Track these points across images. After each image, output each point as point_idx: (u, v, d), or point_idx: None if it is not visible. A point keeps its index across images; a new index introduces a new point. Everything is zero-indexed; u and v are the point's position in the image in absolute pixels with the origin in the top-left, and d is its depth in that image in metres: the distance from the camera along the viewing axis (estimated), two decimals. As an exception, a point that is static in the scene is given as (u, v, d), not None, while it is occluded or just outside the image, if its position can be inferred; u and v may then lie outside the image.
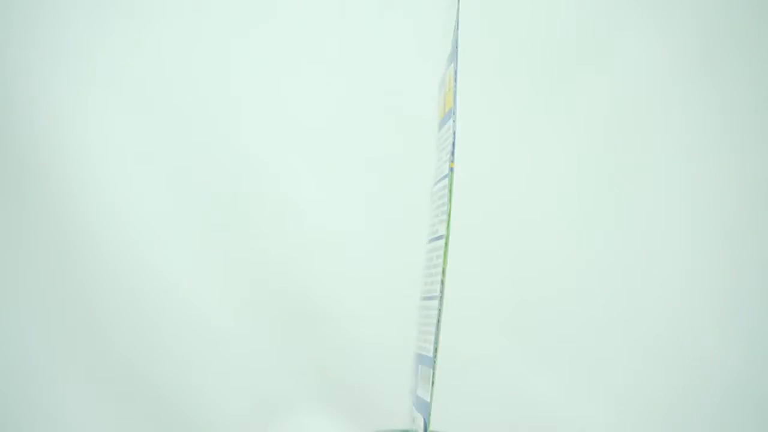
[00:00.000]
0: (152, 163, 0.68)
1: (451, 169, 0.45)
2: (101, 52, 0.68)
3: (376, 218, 0.67)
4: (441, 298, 0.45)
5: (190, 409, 0.65)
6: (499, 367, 0.62)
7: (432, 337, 0.46)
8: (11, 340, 0.65)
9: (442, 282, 0.45)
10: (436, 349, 0.45)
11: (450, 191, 0.45)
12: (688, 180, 0.56)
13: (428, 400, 0.45)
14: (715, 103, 0.54)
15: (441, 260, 0.46)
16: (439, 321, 0.45)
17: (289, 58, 0.67)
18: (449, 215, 0.45)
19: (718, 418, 0.53)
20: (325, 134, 0.67)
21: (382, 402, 0.63)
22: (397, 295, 0.58)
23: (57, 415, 0.65)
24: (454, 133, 0.45)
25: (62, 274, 0.67)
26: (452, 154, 0.45)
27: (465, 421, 0.59)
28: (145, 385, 0.66)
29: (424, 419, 0.45)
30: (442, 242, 0.46)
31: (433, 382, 0.45)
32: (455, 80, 0.46)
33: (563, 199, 0.55)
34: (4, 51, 0.65)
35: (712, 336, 0.54)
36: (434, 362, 0.45)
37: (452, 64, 0.47)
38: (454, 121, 0.46)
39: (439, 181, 0.50)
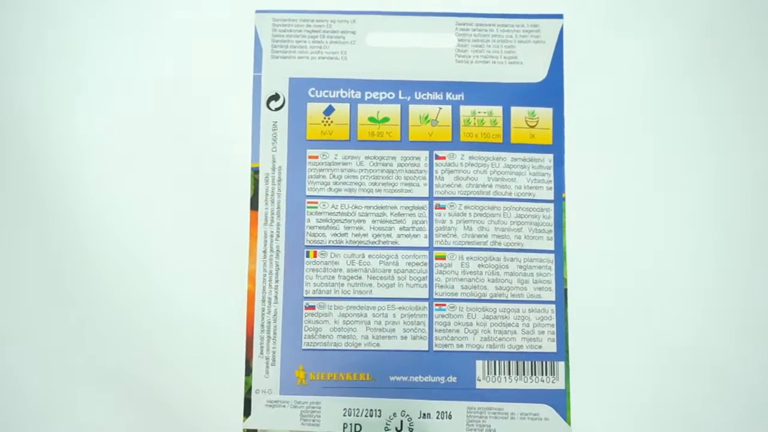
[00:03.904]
0: (146, 163, 0.60)
1: (563, 198, 0.56)
2: (93, 50, 0.62)
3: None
4: (565, 302, 0.55)
5: (187, 410, 0.57)
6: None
7: (544, 336, 0.54)
8: (5, 340, 0.60)
9: (566, 290, 0.55)
10: (567, 347, 0.54)
11: (562, 214, 0.55)
12: (692, 180, 0.59)
13: (559, 388, 0.54)
14: (703, 103, 0.60)
15: (547, 270, 0.55)
16: (565, 321, 0.55)
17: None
18: (563, 233, 0.55)
19: (727, 420, 0.59)
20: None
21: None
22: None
23: (53, 415, 0.59)
24: (555, 165, 0.56)
25: (56, 275, 0.60)
26: (558, 183, 0.56)
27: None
28: (141, 386, 0.58)
29: (555, 408, 0.54)
30: (542, 255, 0.55)
31: (568, 374, 0.54)
32: (560, 121, 0.56)
33: (592, 194, 0.58)
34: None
35: (724, 339, 0.60)
36: (566, 357, 0.54)
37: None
38: (557, 154, 0.56)
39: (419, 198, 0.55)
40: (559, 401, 0.54)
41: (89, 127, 0.59)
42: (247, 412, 0.54)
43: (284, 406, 0.54)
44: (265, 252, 0.55)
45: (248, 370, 0.54)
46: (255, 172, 0.56)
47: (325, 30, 0.57)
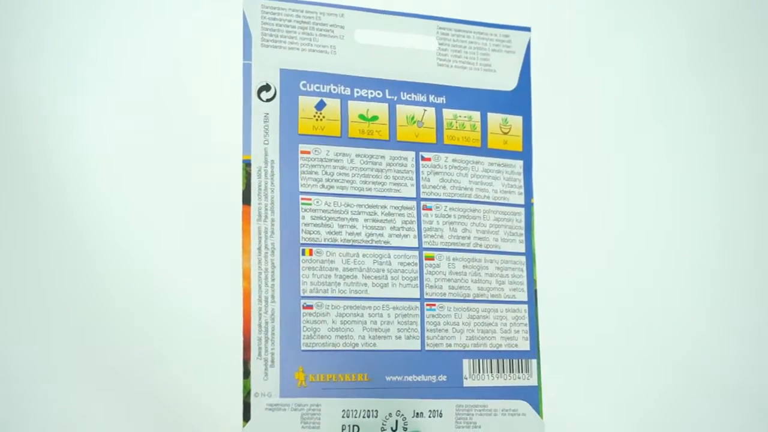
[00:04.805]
0: (145, 164, 0.59)
1: (532, 204, 0.59)
2: (93, 51, 0.61)
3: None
4: (535, 302, 0.58)
5: (185, 410, 0.57)
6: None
7: (519, 335, 0.57)
8: (4, 341, 0.58)
9: (536, 291, 0.58)
10: (538, 344, 0.57)
11: (531, 218, 0.58)
12: (684, 180, 0.60)
13: (533, 384, 0.57)
14: (703, 104, 0.61)
15: (519, 272, 0.58)
16: (536, 321, 0.58)
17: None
18: (532, 237, 0.58)
19: (715, 418, 0.60)
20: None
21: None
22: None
23: (49, 417, 0.58)
24: (525, 171, 0.59)
25: (54, 276, 0.59)
26: (531, 189, 0.59)
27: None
28: (139, 387, 0.57)
29: (530, 403, 0.56)
30: (515, 257, 0.58)
31: (539, 371, 0.57)
32: (528, 128, 0.59)
33: (561, 199, 0.58)
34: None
35: (711, 337, 0.59)
36: (538, 355, 0.57)
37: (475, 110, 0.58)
38: (527, 161, 0.59)
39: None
40: (533, 397, 0.57)
41: (84, 125, 0.55)
42: (246, 416, 0.51)
43: (284, 409, 0.52)
44: (259, 249, 0.53)
45: (246, 373, 0.52)
46: (246, 164, 0.53)
47: (314, 22, 0.55)
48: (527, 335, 0.57)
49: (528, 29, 0.60)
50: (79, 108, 0.57)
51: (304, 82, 0.55)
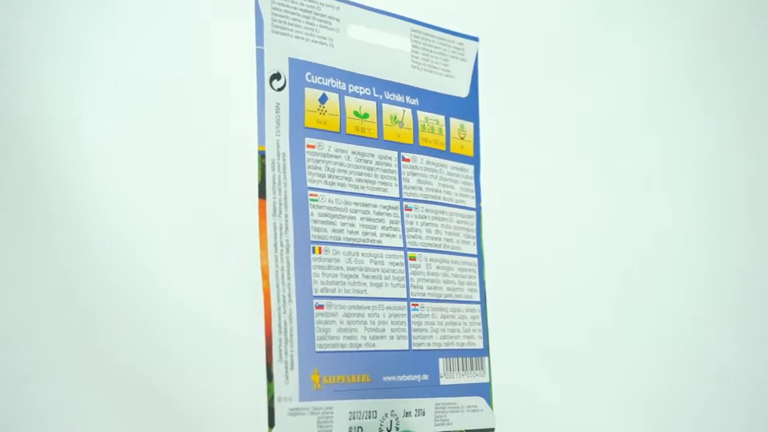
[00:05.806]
0: (148, 164, 0.61)
1: (480, 207, 0.61)
2: (97, 51, 0.63)
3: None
4: (485, 302, 0.61)
5: (190, 410, 0.58)
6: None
7: (475, 334, 0.59)
8: (9, 341, 0.60)
9: (485, 291, 0.61)
10: (488, 343, 0.60)
11: (480, 221, 0.61)
12: (683, 180, 0.58)
13: (486, 381, 0.59)
14: (702, 104, 0.59)
15: (474, 273, 0.60)
16: (486, 320, 0.61)
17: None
18: (481, 240, 0.61)
19: (714, 414, 0.58)
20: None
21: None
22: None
23: (53, 416, 0.59)
24: (475, 176, 0.61)
25: (59, 276, 0.61)
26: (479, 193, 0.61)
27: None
28: (144, 386, 0.58)
29: (485, 398, 0.59)
30: (471, 258, 0.60)
31: (490, 368, 0.60)
32: (476, 132, 0.61)
33: (560, 200, 0.56)
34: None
35: (713, 335, 0.58)
36: (488, 353, 0.60)
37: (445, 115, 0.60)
38: (476, 166, 0.61)
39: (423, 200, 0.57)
40: (486, 393, 0.59)
41: (92, 123, 0.50)
42: (271, 422, 0.49)
43: (304, 414, 0.50)
44: (276, 246, 0.50)
45: (270, 376, 0.49)
46: (261, 156, 0.50)
47: (315, 12, 0.53)
48: (481, 334, 0.60)
49: (476, 39, 0.62)
50: (87, 105, 0.52)
51: (309, 73, 0.53)
